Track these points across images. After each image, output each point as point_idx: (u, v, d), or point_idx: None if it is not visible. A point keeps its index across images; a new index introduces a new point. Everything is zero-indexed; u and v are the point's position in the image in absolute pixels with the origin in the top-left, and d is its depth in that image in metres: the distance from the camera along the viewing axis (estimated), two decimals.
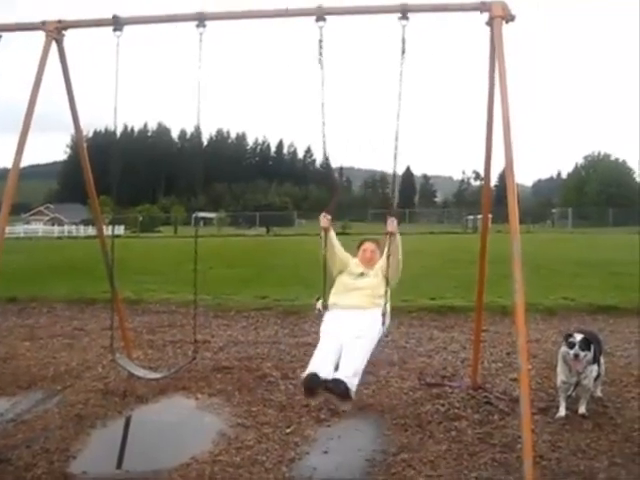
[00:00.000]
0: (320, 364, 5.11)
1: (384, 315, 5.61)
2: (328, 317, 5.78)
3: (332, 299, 5.94)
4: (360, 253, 6.29)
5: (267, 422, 5.79)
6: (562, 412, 5.79)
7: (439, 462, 4.89)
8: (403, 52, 5.16)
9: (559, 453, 5.01)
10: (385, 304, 5.71)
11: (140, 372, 6.76)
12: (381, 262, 6.08)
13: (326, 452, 5.19)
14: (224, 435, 5.51)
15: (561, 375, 5.87)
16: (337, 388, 4.88)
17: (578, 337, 5.74)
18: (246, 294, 12.68)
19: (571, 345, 5.71)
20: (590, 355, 5.74)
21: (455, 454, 5.03)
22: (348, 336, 5.34)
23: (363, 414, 6.05)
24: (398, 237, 5.91)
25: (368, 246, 6.31)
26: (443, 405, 6.21)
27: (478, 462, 4.87)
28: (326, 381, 4.94)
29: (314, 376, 5.03)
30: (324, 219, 6.05)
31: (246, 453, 5.12)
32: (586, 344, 5.72)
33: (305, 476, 4.69)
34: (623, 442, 5.20)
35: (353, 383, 4.95)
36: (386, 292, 5.76)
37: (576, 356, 5.66)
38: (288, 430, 5.60)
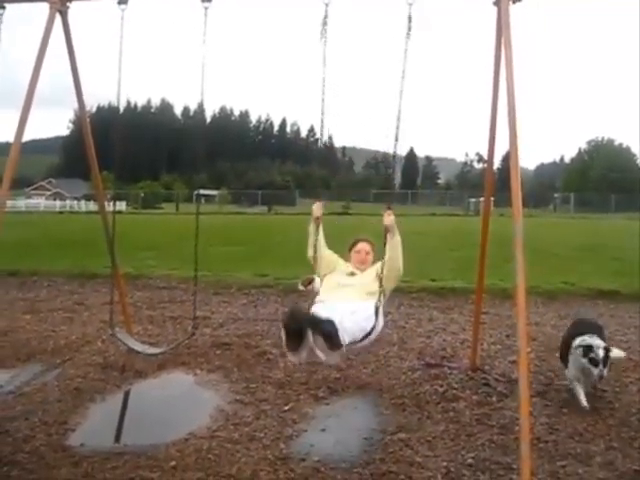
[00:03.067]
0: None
1: (377, 310, 5.00)
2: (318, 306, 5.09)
3: (321, 297, 5.33)
4: (353, 255, 5.77)
5: (265, 399, 5.81)
6: (585, 403, 5.62)
7: (437, 442, 4.91)
8: (409, 31, 5.10)
9: (556, 436, 5.03)
10: (379, 299, 5.11)
11: (139, 347, 6.78)
12: (376, 265, 5.50)
13: (324, 430, 5.20)
14: (222, 411, 5.53)
15: (575, 378, 5.71)
16: (325, 328, 4.31)
17: (600, 352, 5.46)
18: (247, 272, 12.69)
19: (594, 362, 5.44)
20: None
21: (453, 434, 5.05)
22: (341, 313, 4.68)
23: (361, 393, 6.07)
24: (397, 237, 5.41)
25: (362, 247, 5.79)
26: (441, 386, 6.22)
27: (475, 443, 4.89)
28: (312, 321, 4.41)
29: (297, 310, 4.70)
30: (318, 208, 5.60)
31: (244, 429, 5.13)
32: (607, 355, 5.48)
33: (302, 453, 4.71)
34: (620, 426, 5.21)
35: (344, 336, 4.41)
36: (381, 292, 5.14)
37: (601, 377, 5.48)
38: (286, 407, 5.62)
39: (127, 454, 4.67)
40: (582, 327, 6.04)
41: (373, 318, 4.87)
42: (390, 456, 4.67)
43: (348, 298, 5.09)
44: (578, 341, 5.67)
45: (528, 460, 3.96)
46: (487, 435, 5.03)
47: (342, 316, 4.57)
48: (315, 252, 5.52)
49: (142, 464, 4.51)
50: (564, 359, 5.97)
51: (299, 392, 6.01)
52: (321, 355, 4.35)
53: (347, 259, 5.83)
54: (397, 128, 5.26)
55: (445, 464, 4.54)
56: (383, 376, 6.51)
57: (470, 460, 4.60)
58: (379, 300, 5.08)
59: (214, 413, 5.49)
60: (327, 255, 5.74)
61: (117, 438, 5.18)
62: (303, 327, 4.36)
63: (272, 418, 5.38)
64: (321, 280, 5.57)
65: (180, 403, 5.88)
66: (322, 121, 5.46)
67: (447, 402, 5.78)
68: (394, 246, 5.37)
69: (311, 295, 5.44)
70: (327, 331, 4.28)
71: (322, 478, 4.40)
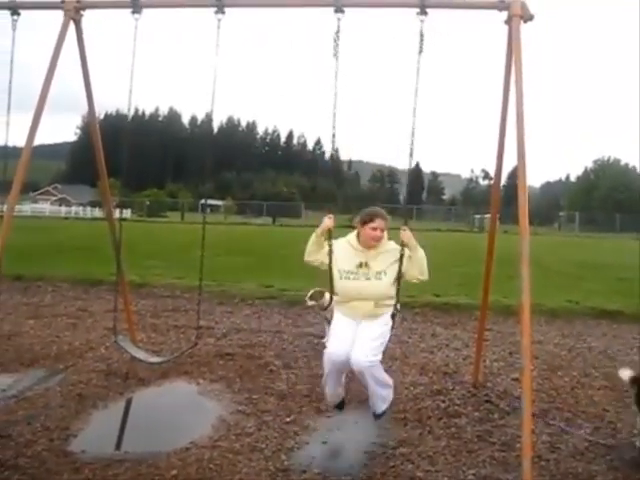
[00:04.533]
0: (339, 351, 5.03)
1: (394, 316, 5.27)
2: (337, 317, 5.40)
3: (335, 303, 5.45)
4: (368, 231, 5.29)
5: (267, 410, 5.82)
6: None
7: (438, 458, 4.90)
8: (421, 48, 5.14)
9: (557, 454, 5.02)
10: (395, 304, 5.28)
11: (141, 355, 6.78)
12: (394, 262, 5.29)
13: (325, 443, 5.20)
14: (224, 421, 5.53)
15: None
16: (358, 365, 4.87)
17: None
18: (251, 282, 12.70)
19: None
20: None
21: (454, 450, 5.04)
22: (358, 336, 5.11)
23: (363, 407, 6.05)
24: (420, 252, 5.32)
25: (379, 224, 5.30)
26: (444, 401, 6.22)
27: (476, 459, 4.88)
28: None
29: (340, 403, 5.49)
30: (330, 219, 5.40)
31: (246, 440, 5.13)
32: None
33: (303, 465, 4.70)
34: (622, 447, 5.20)
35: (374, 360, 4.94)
36: (397, 292, 5.26)
37: None
38: (288, 419, 5.62)
39: (128, 461, 4.67)
40: None
41: (389, 325, 5.18)
42: (391, 470, 4.66)
43: (361, 315, 5.22)
44: None
45: (529, 478, 3.97)
46: (488, 452, 5.03)
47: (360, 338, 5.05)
48: (329, 261, 5.37)
49: (143, 472, 4.52)
50: None
51: (301, 404, 6.02)
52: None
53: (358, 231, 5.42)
54: (411, 144, 5.24)
55: None
56: None
57: (471, 476, 4.60)
58: (395, 309, 5.26)
59: (216, 423, 5.49)
60: (327, 257, 5.41)
61: (118, 445, 5.19)
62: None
63: (274, 429, 5.38)
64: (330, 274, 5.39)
65: (182, 412, 5.88)
66: (333, 135, 5.45)
67: (449, 418, 5.78)
68: (417, 261, 5.30)
69: (323, 309, 5.52)
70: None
71: None
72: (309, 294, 8.02)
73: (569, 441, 5.29)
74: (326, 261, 5.40)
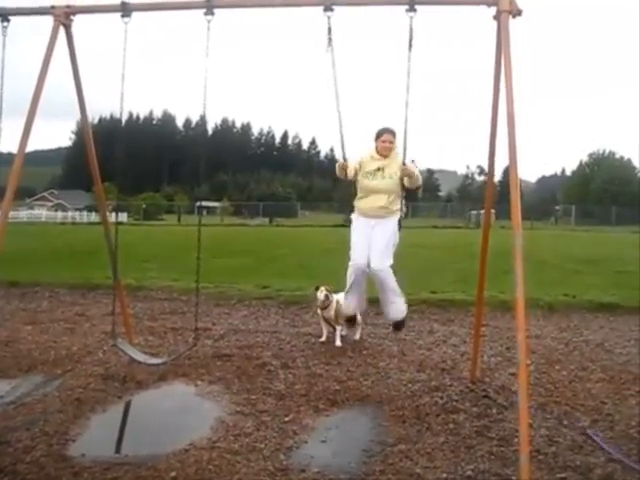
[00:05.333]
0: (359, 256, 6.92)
1: (400, 221, 6.95)
2: (355, 225, 7.18)
3: (356, 204, 7.21)
4: (379, 143, 7.06)
5: (266, 410, 5.82)
6: None
7: (436, 454, 4.90)
8: (410, 44, 5.18)
9: (556, 448, 5.02)
10: (401, 209, 7.03)
11: (141, 357, 6.80)
12: (399, 165, 6.78)
13: (324, 441, 5.20)
14: (223, 422, 5.53)
15: None
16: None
17: None
18: (248, 283, 12.70)
19: None
20: None
21: (452, 446, 5.04)
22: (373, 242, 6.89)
23: (361, 405, 6.07)
24: (417, 174, 6.81)
25: (387, 137, 7.04)
26: (442, 398, 6.22)
27: (475, 455, 4.88)
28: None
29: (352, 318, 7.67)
30: (344, 162, 6.88)
31: (244, 440, 5.13)
32: None
33: (302, 464, 4.71)
34: (620, 439, 5.22)
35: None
36: (402, 197, 7.01)
37: None
38: (286, 419, 5.62)
39: (128, 464, 4.67)
40: None
41: (397, 231, 6.92)
42: (390, 467, 4.67)
43: (375, 211, 6.96)
44: None
45: (527, 472, 3.98)
46: (487, 447, 5.03)
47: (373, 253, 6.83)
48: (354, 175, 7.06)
49: (142, 474, 4.51)
50: None
51: (299, 404, 6.02)
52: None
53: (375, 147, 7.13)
54: (404, 140, 6.21)
55: (445, 476, 4.54)
56: (383, 388, 6.52)
57: (470, 472, 4.60)
58: (401, 215, 7.04)
59: (214, 424, 5.49)
60: (354, 167, 7.05)
61: (118, 448, 5.19)
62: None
63: (272, 429, 5.38)
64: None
65: (181, 414, 5.88)
66: (341, 136, 6.49)
67: (447, 414, 5.78)
68: (415, 178, 6.82)
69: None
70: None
71: None
72: (322, 290, 8.22)
73: (567, 434, 5.31)
74: (352, 175, 7.06)
